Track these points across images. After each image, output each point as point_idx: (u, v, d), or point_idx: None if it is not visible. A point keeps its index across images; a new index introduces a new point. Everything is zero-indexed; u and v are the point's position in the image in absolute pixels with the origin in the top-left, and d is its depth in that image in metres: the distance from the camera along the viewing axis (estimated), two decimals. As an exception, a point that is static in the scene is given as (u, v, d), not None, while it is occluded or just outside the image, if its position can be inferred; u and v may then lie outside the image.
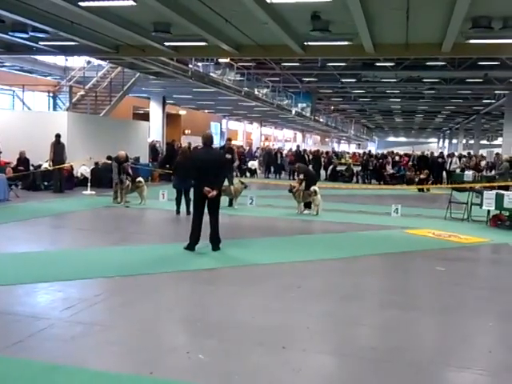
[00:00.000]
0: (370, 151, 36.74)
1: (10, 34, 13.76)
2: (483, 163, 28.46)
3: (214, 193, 7.79)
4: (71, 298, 5.52)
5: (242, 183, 13.50)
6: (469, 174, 21.35)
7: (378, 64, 23.73)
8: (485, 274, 7.91)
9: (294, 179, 15.08)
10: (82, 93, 21.33)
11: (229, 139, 15.87)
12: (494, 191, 11.60)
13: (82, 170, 17.02)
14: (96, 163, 16.89)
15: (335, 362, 4.36)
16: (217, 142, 45.75)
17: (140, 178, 13.89)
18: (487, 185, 14.90)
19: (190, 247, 7.93)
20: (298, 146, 34.05)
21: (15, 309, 5.23)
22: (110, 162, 13.84)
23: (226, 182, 13.77)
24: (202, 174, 7.90)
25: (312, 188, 12.44)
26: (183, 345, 4.51)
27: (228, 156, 14.13)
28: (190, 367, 4.01)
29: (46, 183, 15.93)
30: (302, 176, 12.86)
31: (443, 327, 5.23)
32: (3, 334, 4.54)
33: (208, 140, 8.26)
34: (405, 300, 6.07)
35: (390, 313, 5.56)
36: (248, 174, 25.55)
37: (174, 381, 3.81)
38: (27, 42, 15.05)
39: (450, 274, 7.36)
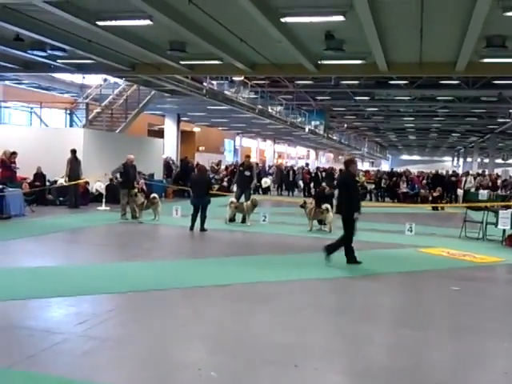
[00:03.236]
0: (392, 169, 36.27)
1: (29, 52, 14.04)
2: (499, 182, 28.17)
3: (357, 216, 8.54)
4: (84, 313, 5.55)
5: (253, 201, 13.45)
6: (484, 193, 21.16)
7: (391, 82, 23.78)
8: (500, 294, 7.78)
9: (309, 196, 14.99)
10: (99, 110, 21.65)
11: (247, 156, 15.85)
12: (510, 210, 11.47)
13: (97, 185, 17.17)
14: (111, 179, 17.04)
15: (347, 382, 4.31)
16: (230, 159, 46.08)
17: (155, 195, 14.00)
18: (503, 204, 14.74)
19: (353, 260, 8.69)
20: (306, 164, 34.11)
21: (29, 323, 5.27)
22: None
23: (242, 199, 13.85)
24: (340, 195, 8.96)
25: (324, 206, 12.41)
26: (195, 361, 4.50)
27: (247, 173, 14.14)
28: (201, 384, 4.00)
29: (61, 199, 16.10)
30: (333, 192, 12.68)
31: (457, 347, 5.16)
32: (17, 347, 4.58)
33: (345, 163, 9.05)
34: (418, 319, 6.00)
35: (403, 332, 5.50)
36: (260, 192, 25.52)
37: (185, 397, 3.80)
38: (45, 60, 15.32)
39: (464, 293, 7.29)
